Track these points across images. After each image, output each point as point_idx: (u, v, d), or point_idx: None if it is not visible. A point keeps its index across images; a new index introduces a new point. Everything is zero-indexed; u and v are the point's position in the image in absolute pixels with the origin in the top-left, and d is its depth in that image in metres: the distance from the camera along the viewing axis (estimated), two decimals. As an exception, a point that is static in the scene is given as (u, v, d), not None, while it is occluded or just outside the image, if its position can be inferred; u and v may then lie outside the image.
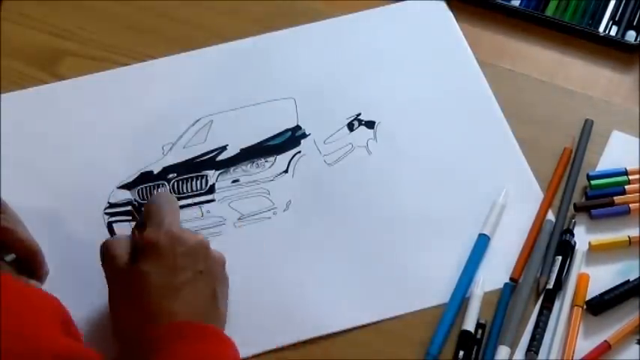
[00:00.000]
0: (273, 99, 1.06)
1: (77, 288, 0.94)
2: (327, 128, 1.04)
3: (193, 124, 1.04)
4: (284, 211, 0.99)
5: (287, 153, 1.02)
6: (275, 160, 1.02)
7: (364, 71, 1.07)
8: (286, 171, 1.01)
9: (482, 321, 0.92)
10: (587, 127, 1.02)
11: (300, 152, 1.02)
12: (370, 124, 1.04)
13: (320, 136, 1.03)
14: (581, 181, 0.99)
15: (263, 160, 1.02)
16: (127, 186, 1.01)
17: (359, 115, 1.04)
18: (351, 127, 1.04)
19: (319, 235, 0.98)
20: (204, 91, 1.06)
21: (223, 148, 1.02)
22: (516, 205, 0.98)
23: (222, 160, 1.02)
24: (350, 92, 1.06)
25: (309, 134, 1.03)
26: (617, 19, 1.10)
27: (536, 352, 0.90)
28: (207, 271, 0.88)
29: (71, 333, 0.78)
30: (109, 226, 0.99)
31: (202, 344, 0.83)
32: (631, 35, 1.09)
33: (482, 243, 0.96)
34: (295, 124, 1.04)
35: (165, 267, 0.86)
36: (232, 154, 1.02)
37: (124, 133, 1.04)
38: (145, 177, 1.01)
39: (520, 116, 1.04)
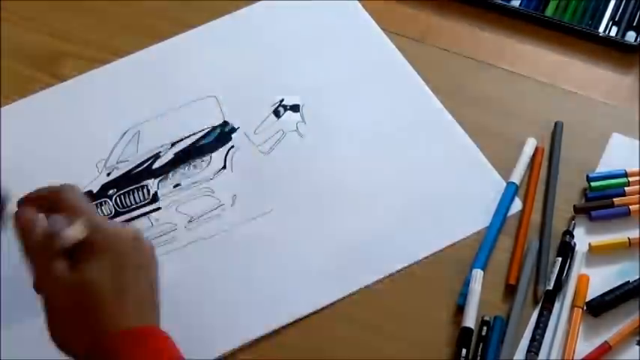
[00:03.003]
0: (194, 99, 1.06)
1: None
2: (255, 119, 1.05)
3: (122, 137, 1.04)
4: (231, 206, 1.00)
5: (221, 150, 1.03)
6: (211, 158, 1.03)
7: (279, 59, 1.09)
8: (224, 167, 1.02)
9: (487, 318, 0.92)
10: (559, 128, 1.02)
11: (233, 147, 1.03)
12: (295, 108, 1.05)
13: (249, 128, 1.04)
14: (581, 183, 0.99)
15: (199, 160, 1.03)
16: None
17: (282, 101, 1.06)
18: (277, 113, 1.05)
19: (272, 223, 0.99)
20: (125, 103, 1.06)
21: (157, 156, 1.03)
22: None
23: (158, 168, 1.02)
24: (269, 80, 1.07)
25: (238, 127, 1.04)
26: (617, 19, 1.10)
27: (537, 353, 0.90)
28: (144, 264, 0.83)
29: None
30: None
31: (154, 349, 0.80)
32: (631, 36, 1.09)
33: (511, 189, 0.99)
34: (222, 121, 1.05)
35: (109, 268, 0.81)
36: (167, 160, 1.03)
37: (54, 156, 1.03)
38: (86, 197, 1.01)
39: (519, 116, 1.04)
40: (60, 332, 0.82)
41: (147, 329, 0.81)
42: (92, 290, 0.80)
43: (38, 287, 0.83)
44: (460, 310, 0.93)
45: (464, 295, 0.93)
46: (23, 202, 0.86)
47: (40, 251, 0.82)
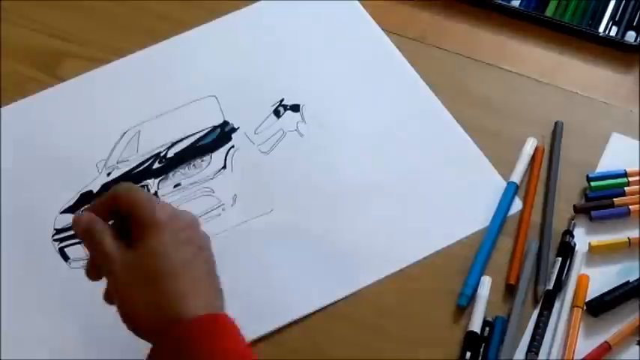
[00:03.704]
0: (194, 100, 1.06)
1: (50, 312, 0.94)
2: (255, 119, 1.05)
3: (121, 137, 1.04)
4: (232, 205, 1.00)
5: (221, 149, 1.03)
6: (211, 158, 1.03)
7: (279, 58, 1.09)
8: (225, 167, 1.02)
9: (489, 319, 0.92)
10: (559, 128, 1.02)
11: (233, 146, 1.03)
12: (295, 108, 1.05)
13: (249, 128, 1.04)
14: (581, 183, 0.99)
15: (199, 160, 1.03)
16: (70, 209, 1.00)
17: (282, 100, 1.06)
18: (277, 113, 1.05)
19: (272, 222, 0.99)
20: (125, 103, 1.07)
21: (157, 156, 1.03)
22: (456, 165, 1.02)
23: (159, 168, 1.03)
24: (269, 80, 1.07)
25: (238, 127, 1.04)
26: (617, 19, 1.10)
27: (537, 353, 0.90)
28: (204, 246, 0.84)
29: None
30: (61, 251, 0.98)
31: (227, 336, 0.80)
32: (631, 36, 1.09)
33: (511, 188, 0.99)
34: (222, 121, 1.05)
35: (171, 243, 0.81)
36: (167, 160, 1.03)
37: (55, 157, 1.03)
38: (86, 197, 1.01)
39: (519, 116, 1.04)
40: (132, 317, 0.81)
41: (218, 317, 0.80)
42: (157, 264, 0.80)
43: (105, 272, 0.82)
44: (460, 310, 0.93)
45: (465, 296, 0.93)
46: (82, 214, 0.85)
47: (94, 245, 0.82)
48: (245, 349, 0.81)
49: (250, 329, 0.92)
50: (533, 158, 1.01)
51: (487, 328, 0.92)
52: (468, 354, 0.91)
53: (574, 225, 0.97)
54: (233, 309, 0.93)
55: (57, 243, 0.98)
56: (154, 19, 1.11)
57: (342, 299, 0.95)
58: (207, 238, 0.85)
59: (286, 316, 0.94)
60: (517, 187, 0.99)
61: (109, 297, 0.84)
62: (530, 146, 1.01)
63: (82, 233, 0.83)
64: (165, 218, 0.82)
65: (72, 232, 0.96)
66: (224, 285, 0.92)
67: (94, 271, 0.84)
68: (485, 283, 0.94)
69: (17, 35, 1.11)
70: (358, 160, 1.02)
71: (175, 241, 0.81)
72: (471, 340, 0.91)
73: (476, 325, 0.92)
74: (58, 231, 0.99)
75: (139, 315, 0.80)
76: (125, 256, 0.81)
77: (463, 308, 0.93)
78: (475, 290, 0.94)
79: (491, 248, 0.96)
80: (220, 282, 0.84)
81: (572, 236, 0.96)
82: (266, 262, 0.97)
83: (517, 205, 0.99)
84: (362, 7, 1.11)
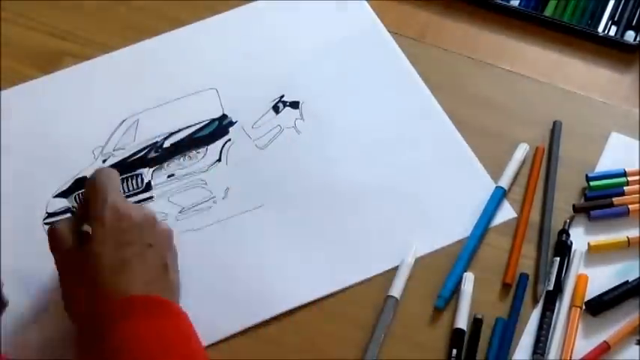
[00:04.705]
0: (194, 92, 1.06)
1: (30, 297, 0.95)
2: (254, 113, 1.05)
3: (120, 125, 1.05)
4: (223, 198, 1.00)
5: (217, 142, 1.04)
6: (206, 150, 1.03)
7: (282, 54, 1.09)
8: (219, 160, 1.03)
9: (479, 316, 0.92)
10: (557, 128, 1.02)
11: (230, 140, 1.04)
12: (295, 105, 1.05)
13: (247, 122, 1.04)
14: (580, 182, 1.00)
15: (194, 151, 1.03)
16: (64, 194, 1.01)
17: (282, 97, 1.06)
18: (276, 109, 1.05)
19: (263, 218, 0.99)
20: (125, 92, 1.07)
21: (153, 145, 1.03)
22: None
23: (154, 157, 1.03)
24: (271, 76, 1.08)
25: (236, 121, 1.04)
26: (616, 19, 1.10)
27: (542, 354, 0.90)
28: (155, 243, 0.89)
29: None
30: None
31: (155, 318, 0.84)
32: (630, 35, 1.09)
33: (498, 193, 0.98)
34: (221, 114, 1.05)
35: (112, 243, 0.86)
36: (163, 150, 1.03)
37: (52, 142, 1.04)
38: (80, 183, 1.01)
39: (518, 116, 1.04)
40: (67, 301, 0.88)
41: (146, 298, 0.85)
42: (93, 259, 0.86)
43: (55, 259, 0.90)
44: (447, 311, 0.93)
45: (442, 298, 0.93)
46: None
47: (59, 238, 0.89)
48: (178, 334, 0.84)
49: (236, 321, 0.94)
50: (533, 158, 1.01)
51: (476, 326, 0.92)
52: (454, 351, 0.91)
53: (569, 223, 0.97)
54: (218, 301, 0.94)
55: (48, 227, 0.98)
56: (154, 19, 1.11)
57: (330, 296, 0.95)
58: (165, 235, 0.91)
59: (273, 309, 0.94)
60: (505, 191, 0.99)
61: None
62: (521, 152, 1.01)
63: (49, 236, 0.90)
64: (110, 218, 0.87)
65: (63, 217, 0.98)
66: (210, 277, 0.94)
67: None
68: (468, 280, 0.94)
69: (17, 34, 1.11)
70: (351, 160, 1.02)
71: (117, 241, 0.87)
72: (457, 338, 0.91)
73: (461, 322, 0.92)
74: (50, 214, 0.99)
75: (72, 303, 0.87)
76: (71, 253, 0.87)
77: (442, 309, 0.93)
78: (456, 290, 0.94)
79: (471, 257, 0.96)
80: (178, 277, 0.90)
81: (569, 235, 0.96)
82: (254, 256, 0.97)
83: (506, 209, 0.99)
84: (369, 7, 1.11)
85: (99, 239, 0.87)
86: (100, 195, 0.89)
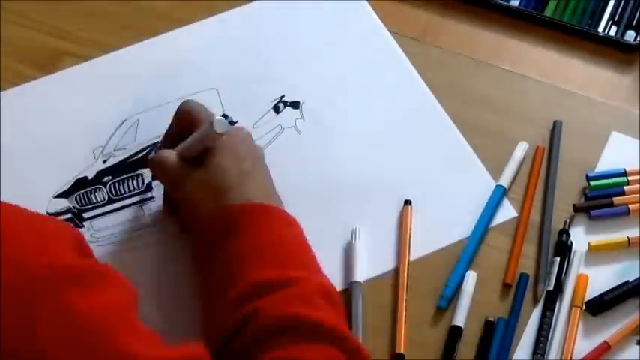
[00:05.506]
0: (195, 92, 1.06)
1: None
2: (254, 113, 1.05)
3: (120, 125, 1.05)
4: None
5: None
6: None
7: (282, 54, 1.09)
8: None
9: (490, 318, 0.92)
10: (558, 128, 1.02)
11: None
12: (295, 104, 1.05)
13: (248, 122, 1.04)
14: (580, 182, 1.00)
15: None
16: (64, 194, 1.01)
17: (283, 97, 1.06)
18: (277, 109, 1.05)
19: None
20: (126, 92, 1.07)
21: (154, 146, 1.03)
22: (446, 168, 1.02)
23: None
24: (271, 76, 1.08)
25: (237, 121, 1.04)
26: (616, 19, 1.10)
27: (542, 354, 0.90)
28: (260, 157, 0.94)
29: (84, 252, 0.76)
30: None
31: (283, 226, 0.89)
32: (630, 35, 1.09)
33: (498, 192, 0.99)
34: (222, 114, 1.05)
35: (231, 158, 0.91)
36: None
37: (52, 142, 1.04)
38: (81, 183, 1.01)
39: (519, 116, 1.04)
40: (188, 213, 0.93)
41: (270, 206, 0.89)
42: (218, 173, 0.90)
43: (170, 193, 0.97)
44: (447, 311, 0.93)
45: (444, 298, 0.93)
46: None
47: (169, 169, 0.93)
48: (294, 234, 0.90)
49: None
50: (533, 158, 1.01)
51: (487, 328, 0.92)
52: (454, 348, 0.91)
53: (569, 223, 0.97)
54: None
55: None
56: (154, 19, 1.11)
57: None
58: (261, 149, 0.96)
59: None
60: (505, 190, 0.99)
61: (171, 212, 0.97)
62: (520, 151, 1.01)
63: (154, 170, 0.96)
64: (224, 141, 0.91)
65: (64, 217, 0.98)
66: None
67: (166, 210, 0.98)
68: (471, 278, 0.94)
69: (17, 34, 1.11)
70: (351, 160, 1.02)
71: (235, 156, 0.91)
72: (453, 335, 0.91)
73: (459, 320, 0.92)
74: (50, 215, 0.99)
75: (203, 216, 0.90)
76: (195, 174, 0.90)
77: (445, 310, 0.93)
78: (458, 290, 0.94)
79: (472, 256, 0.96)
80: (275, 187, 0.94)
81: (568, 235, 0.96)
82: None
83: (507, 208, 0.99)
84: (369, 7, 1.11)
85: (221, 153, 0.91)
86: (203, 115, 0.93)
